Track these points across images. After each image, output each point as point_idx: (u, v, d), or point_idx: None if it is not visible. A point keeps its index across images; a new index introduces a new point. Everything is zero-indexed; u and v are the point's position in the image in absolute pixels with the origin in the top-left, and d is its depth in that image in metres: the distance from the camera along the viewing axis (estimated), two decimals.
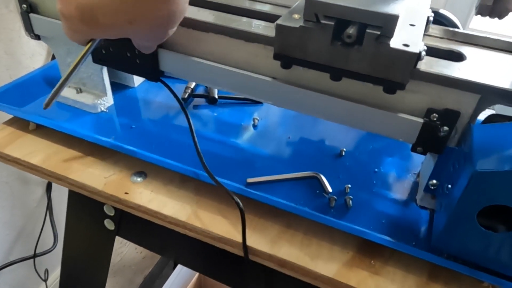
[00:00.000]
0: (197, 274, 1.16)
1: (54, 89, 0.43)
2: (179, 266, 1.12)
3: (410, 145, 0.42)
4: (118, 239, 1.67)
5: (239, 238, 0.43)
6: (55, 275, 1.32)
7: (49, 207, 1.17)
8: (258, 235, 0.44)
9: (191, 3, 0.46)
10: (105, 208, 0.53)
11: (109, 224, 0.54)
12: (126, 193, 0.47)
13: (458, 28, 0.54)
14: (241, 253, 0.44)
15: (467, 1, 2.08)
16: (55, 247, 1.18)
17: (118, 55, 0.51)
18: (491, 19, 0.45)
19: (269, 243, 0.43)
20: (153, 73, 0.50)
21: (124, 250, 1.63)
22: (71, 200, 0.57)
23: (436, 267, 0.41)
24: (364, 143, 0.58)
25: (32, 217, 1.20)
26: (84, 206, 0.56)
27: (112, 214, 0.53)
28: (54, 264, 1.29)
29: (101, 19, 0.36)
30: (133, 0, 0.34)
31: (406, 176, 0.52)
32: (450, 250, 0.40)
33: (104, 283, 0.62)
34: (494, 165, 0.33)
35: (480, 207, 0.35)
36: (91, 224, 0.56)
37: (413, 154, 0.56)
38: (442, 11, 0.57)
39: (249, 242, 0.43)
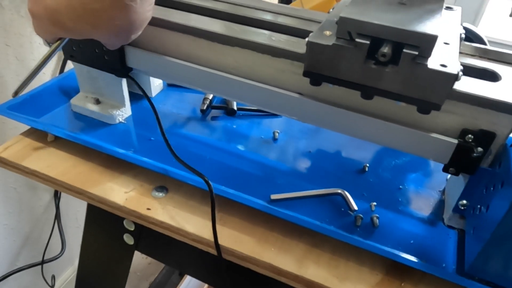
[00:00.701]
0: (205, 285, 1.14)
1: (24, 80, 0.45)
2: (188, 278, 1.11)
3: (435, 162, 0.41)
4: None
5: (265, 257, 0.42)
6: (61, 280, 1.31)
7: (57, 213, 1.16)
8: (284, 254, 0.43)
9: (204, 13, 0.47)
10: (125, 222, 0.52)
11: (128, 239, 0.54)
12: (148, 208, 0.46)
13: (484, 42, 0.53)
14: (268, 273, 0.43)
15: (475, 5, 2.07)
16: (62, 253, 1.17)
17: (87, 52, 0.53)
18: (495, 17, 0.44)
19: (295, 263, 0.42)
20: (121, 69, 0.52)
21: None
22: (89, 213, 0.56)
23: None
24: (386, 158, 0.57)
25: (39, 223, 1.19)
26: (104, 220, 0.55)
27: (132, 229, 0.52)
28: (61, 270, 1.28)
29: (67, 22, 0.39)
30: (93, 9, 0.37)
31: (431, 193, 0.51)
32: (483, 274, 0.39)
33: None
34: None
35: None
36: (110, 238, 0.56)
37: (437, 169, 0.55)
38: (466, 24, 0.56)
39: (275, 262, 0.42)
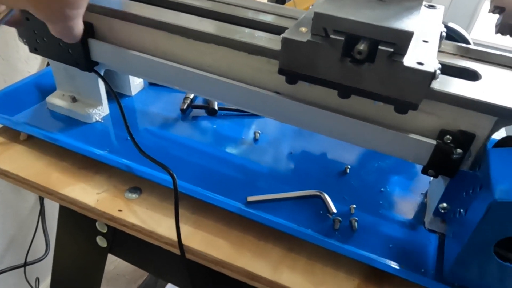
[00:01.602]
0: None
1: None
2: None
3: (419, 165, 0.40)
4: None
5: (239, 262, 0.41)
6: (46, 284, 1.28)
7: (42, 215, 1.14)
8: (259, 259, 0.41)
9: (186, 11, 0.45)
10: (97, 224, 0.51)
11: (101, 241, 0.52)
12: (119, 210, 0.45)
13: (468, 42, 0.52)
14: (242, 278, 0.41)
15: (469, 9, 2.07)
16: (46, 255, 1.15)
17: (52, 45, 0.51)
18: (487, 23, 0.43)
19: (270, 268, 0.40)
20: (86, 63, 0.51)
21: (118, 259, 1.60)
22: (62, 214, 0.54)
23: None
24: (369, 160, 0.56)
25: (24, 225, 1.17)
26: (76, 221, 0.53)
27: (104, 231, 0.51)
28: (45, 273, 1.26)
29: None
30: None
31: (413, 196, 0.50)
32: (462, 280, 0.37)
33: None
34: None
35: (497, 238, 0.32)
36: (83, 241, 0.54)
37: (419, 172, 0.54)
38: (451, 24, 0.55)
39: (249, 268, 0.40)
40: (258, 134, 0.57)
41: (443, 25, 0.43)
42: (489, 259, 0.34)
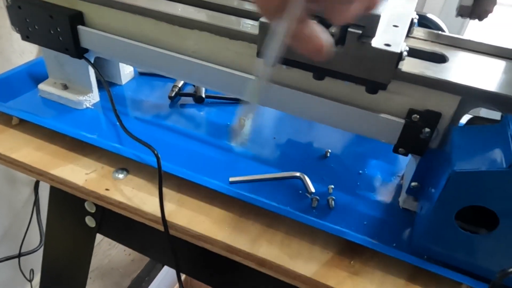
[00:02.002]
0: (184, 275, 1.14)
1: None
2: (165, 267, 1.11)
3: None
4: (107, 241, 1.64)
5: (219, 236, 0.43)
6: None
7: (37, 206, 1.15)
8: (239, 234, 0.43)
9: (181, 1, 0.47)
10: (86, 205, 0.52)
11: (90, 222, 0.54)
12: (107, 189, 0.47)
13: (443, 31, 0.54)
14: (222, 252, 0.43)
15: None
16: (41, 246, 1.16)
17: (43, 32, 0.53)
18: (481, 23, 0.46)
19: (249, 242, 0.42)
20: (75, 49, 0.53)
21: (113, 253, 1.61)
22: (52, 196, 0.56)
23: (416, 269, 0.41)
24: (350, 145, 0.58)
25: (19, 217, 1.19)
26: (65, 202, 0.55)
27: (93, 211, 0.53)
28: (39, 265, 1.27)
29: None
30: None
31: (390, 178, 0.52)
32: (430, 252, 0.40)
33: (85, 281, 0.61)
34: (472, 165, 0.33)
35: (458, 208, 0.35)
36: (72, 221, 0.56)
37: (399, 157, 0.56)
38: (429, 15, 0.57)
39: (229, 241, 0.42)
40: (243, 121, 0.59)
41: (415, 13, 0.45)
42: (451, 228, 0.36)
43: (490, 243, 0.35)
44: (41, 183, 1.14)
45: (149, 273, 1.40)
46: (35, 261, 1.22)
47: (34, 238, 1.19)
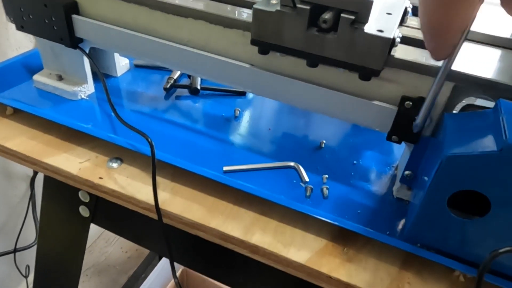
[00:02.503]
0: (180, 269, 1.14)
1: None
2: (161, 262, 1.11)
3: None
4: (103, 238, 1.64)
5: (213, 224, 0.43)
6: None
7: (33, 202, 1.15)
8: (232, 221, 0.43)
9: None
10: (80, 194, 0.52)
11: (84, 211, 0.54)
12: (100, 178, 0.47)
13: None
14: (215, 240, 0.43)
15: None
16: (36, 242, 1.16)
17: (37, 22, 0.53)
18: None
19: (242, 229, 0.42)
20: (70, 39, 0.53)
21: (109, 250, 1.61)
22: (46, 186, 0.56)
23: (410, 256, 0.41)
24: (345, 137, 0.58)
25: (15, 213, 1.19)
26: (59, 192, 0.55)
27: (87, 201, 0.52)
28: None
29: None
30: None
31: (384, 169, 0.52)
32: (423, 239, 0.40)
33: (79, 272, 0.61)
34: (463, 150, 0.33)
35: (450, 193, 0.35)
36: (66, 211, 0.56)
37: (394, 148, 0.56)
38: None
39: (222, 228, 0.42)
40: (238, 112, 0.59)
41: (409, 2, 0.45)
42: (443, 214, 0.36)
43: (482, 229, 0.35)
44: (37, 179, 1.14)
45: (145, 270, 1.40)
46: (31, 257, 1.22)
47: (30, 234, 1.19)
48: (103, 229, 1.65)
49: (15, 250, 1.12)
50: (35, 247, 1.15)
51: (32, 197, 1.15)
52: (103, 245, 1.62)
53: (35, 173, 1.10)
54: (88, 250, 1.58)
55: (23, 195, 1.21)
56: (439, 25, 0.28)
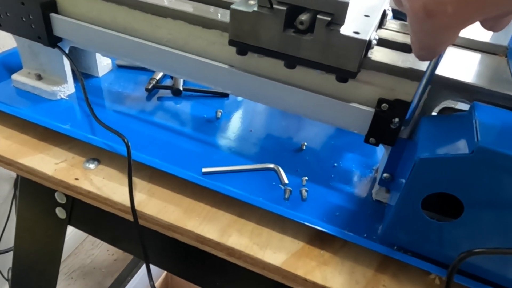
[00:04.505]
0: (164, 273, 1.13)
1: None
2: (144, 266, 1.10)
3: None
4: (89, 241, 1.62)
5: (190, 226, 0.42)
6: None
7: (16, 204, 1.13)
8: (208, 224, 0.43)
9: None
10: (56, 195, 0.51)
11: (60, 213, 0.53)
12: (76, 179, 0.46)
13: None
14: (192, 242, 0.43)
15: None
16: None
17: (15, 20, 0.52)
18: None
19: (219, 231, 0.42)
20: (48, 38, 0.52)
21: (95, 252, 1.59)
22: (22, 187, 0.55)
23: (386, 259, 0.41)
24: (326, 139, 0.58)
25: None
26: (36, 194, 0.54)
27: (63, 202, 0.52)
28: None
29: None
30: None
31: (365, 171, 0.52)
32: (399, 241, 0.39)
33: (57, 274, 0.60)
34: (436, 152, 0.33)
35: (423, 195, 0.34)
36: (43, 213, 0.55)
37: (375, 151, 0.56)
38: None
39: (198, 230, 0.42)
40: (220, 113, 0.59)
41: (388, 5, 0.45)
42: (418, 217, 0.36)
43: (456, 231, 0.35)
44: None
45: (131, 273, 1.38)
46: None
47: (12, 237, 1.17)
48: None
49: None
50: None
51: (15, 198, 1.13)
52: (89, 248, 1.60)
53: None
54: (73, 253, 1.56)
55: (5, 197, 1.19)
56: (428, 47, 0.30)
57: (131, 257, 1.58)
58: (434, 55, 0.32)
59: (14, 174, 1.15)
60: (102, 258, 1.58)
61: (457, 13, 0.26)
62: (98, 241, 1.62)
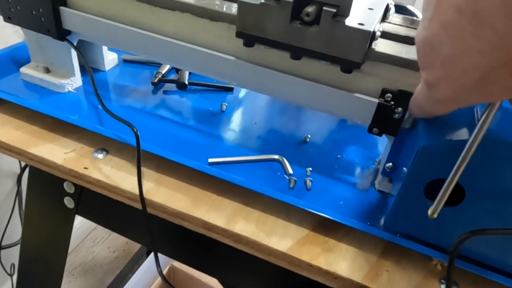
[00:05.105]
0: (167, 267, 1.14)
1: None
2: (147, 260, 1.11)
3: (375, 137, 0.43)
4: (90, 238, 1.63)
5: (197, 214, 0.43)
6: None
7: (19, 199, 1.14)
8: (215, 211, 0.44)
9: None
10: (65, 185, 0.52)
11: (68, 202, 0.54)
12: (85, 168, 0.47)
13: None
14: (199, 229, 0.43)
15: None
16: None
17: (25, 13, 0.53)
18: None
19: (225, 219, 0.43)
20: (57, 31, 0.53)
21: (96, 249, 1.60)
22: (31, 177, 0.56)
23: (389, 245, 0.42)
24: (329, 132, 0.59)
25: (0, 210, 1.17)
26: (44, 183, 0.55)
27: (72, 192, 0.53)
28: None
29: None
30: None
31: (367, 163, 0.53)
32: (402, 228, 0.40)
33: (63, 265, 0.60)
34: (438, 140, 0.34)
35: (426, 181, 0.36)
36: (51, 203, 0.56)
37: (377, 143, 0.57)
38: (409, 7, 0.59)
39: (205, 218, 0.43)
40: (225, 106, 0.60)
41: (392, 1, 0.47)
42: (421, 203, 0.37)
43: (457, 217, 0.36)
44: (24, 176, 1.13)
45: (132, 270, 1.39)
46: (17, 255, 1.21)
47: (16, 232, 1.18)
48: (90, 229, 1.64)
49: (0, 248, 1.10)
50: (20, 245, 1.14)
51: (18, 194, 1.14)
52: (90, 245, 1.61)
53: (22, 170, 1.09)
54: (75, 250, 1.57)
55: (9, 192, 1.20)
56: (427, 116, 0.37)
57: (131, 254, 1.59)
58: (426, 116, 0.37)
59: (17, 170, 1.16)
60: (103, 255, 1.59)
61: (451, 94, 0.28)
62: (99, 238, 1.63)
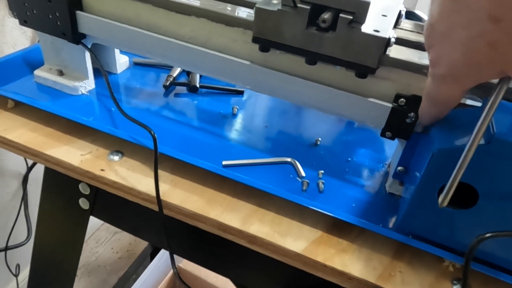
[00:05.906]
0: (171, 271, 1.15)
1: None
2: (153, 262, 1.11)
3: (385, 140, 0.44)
4: (94, 239, 1.63)
5: (212, 215, 0.44)
6: (27, 270, 1.28)
7: (25, 200, 1.15)
8: (230, 213, 0.44)
9: None
10: (80, 186, 0.53)
11: (83, 204, 0.54)
12: (102, 170, 0.48)
13: None
14: (214, 230, 0.44)
15: None
16: (28, 240, 1.15)
17: (41, 17, 0.54)
18: None
19: (240, 220, 0.44)
20: (73, 34, 0.54)
21: (100, 250, 1.61)
22: (46, 178, 0.56)
23: (401, 247, 0.43)
24: (339, 135, 0.60)
25: (6, 211, 1.18)
26: (60, 184, 0.55)
27: (87, 193, 0.53)
28: (26, 260, 1.26)
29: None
30: None
31: (378, 166, 0.54)
32: (414, 230, 0.41)
33: (76, 265, 0.61)
34: (453, 143, 0.35)
35: (440, 184, 0.36)
36: (66, 204, 0.56)
37: (386, 147, 0.58)
38: (417, 11, 0.60)
39: (221, 219, 0.43)
40: (236, 109, 0.61)
41: (403, 6, 0.48)
42: (434, 206, 0.38)
43: (470, 219, 0.37)
44: (30, 177, 1.14)
45: (136, 271, 1.39)
46: (22, 256, 1.21)
47: (22, 232, 1.18)
48: (93, 229, 1.64)
49: (6, 248, 1.11)
50: (26, 246, 1.15)
51: (24, 195, 1.14)
52: (94, 245, 1.61)
53: (28, 171, 1.10)
54: None
55: (14, 193, 1.20)
56: (434, 118, 0.39)
57: (135, 255, 1.60)
58: (435, 113, 0.38)
59: (23, 171, 1.17)
60: (106, 256, 1.59)
61: (448, 70, 0.31)
62: (103, 239, 1.64)
